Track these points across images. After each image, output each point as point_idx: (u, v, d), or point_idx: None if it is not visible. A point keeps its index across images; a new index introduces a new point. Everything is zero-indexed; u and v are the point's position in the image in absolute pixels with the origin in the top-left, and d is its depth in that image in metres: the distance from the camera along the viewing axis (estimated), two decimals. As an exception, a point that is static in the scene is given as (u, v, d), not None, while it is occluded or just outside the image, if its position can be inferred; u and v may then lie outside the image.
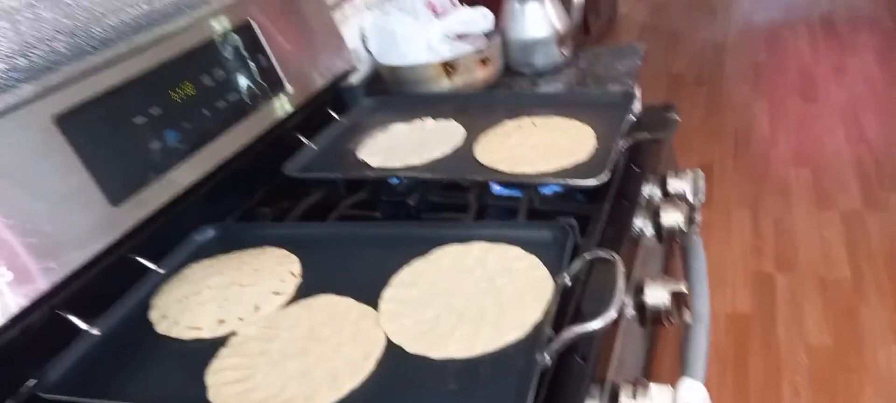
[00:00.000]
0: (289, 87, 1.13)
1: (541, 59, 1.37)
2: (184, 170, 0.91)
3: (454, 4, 1.43)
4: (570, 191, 0.90)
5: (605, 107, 1.05)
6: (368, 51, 1.36)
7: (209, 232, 0.92)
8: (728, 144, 2.62)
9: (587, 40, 3.67)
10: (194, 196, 0.93)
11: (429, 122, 1.13)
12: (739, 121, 2.77)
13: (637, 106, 1.27)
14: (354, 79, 1.32)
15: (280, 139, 1.10)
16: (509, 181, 0.91)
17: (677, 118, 1.01)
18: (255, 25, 1.09)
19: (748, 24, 3.73)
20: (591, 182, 0.85)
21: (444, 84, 1.27)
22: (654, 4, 4.42)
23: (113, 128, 0.84)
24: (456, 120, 1.12)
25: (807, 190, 2.24)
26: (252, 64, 1.08)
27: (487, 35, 1.36)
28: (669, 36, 3.84)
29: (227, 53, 1.04)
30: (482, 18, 1.33)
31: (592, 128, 1.00)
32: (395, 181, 0.98)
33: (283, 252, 0.85)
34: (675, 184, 1.01)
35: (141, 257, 0.85)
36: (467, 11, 1.35)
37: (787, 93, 2.91)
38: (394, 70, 1.30)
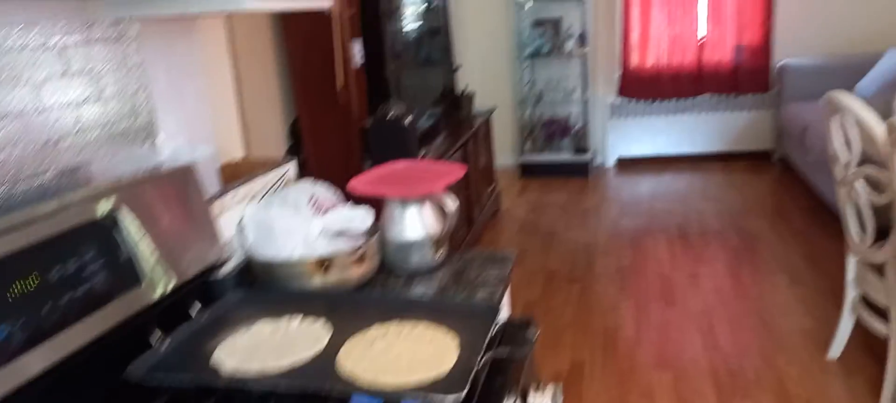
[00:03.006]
0: (149, 279, 1.08)
1: (416, 260, 1.41)
2: (15, 368, 0.83)
3: (337, 202, 1.46)
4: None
5: (471, 316, 1.08)
6: (244, 243, 1.35)
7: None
8: (598, 343, 2.74)
9: (470, 231, 3.85)
10: (25, 397, 0.84)
11: (294, 323, 1.11)
12: (608, 321, 2.92)
13: (504, 313, 1.32)
14: (225, 271, 1.29)
15: (133, 334, 1.03)
16: (368, 392, 0.89)
17: (532, 338, 1.05)
18: (119, 215, 1.06)
19: (615, 229, 4.08)
20: (449, 399, 0.85)
21: (317, 280, 1.27)
22: (533, 203, 4.77)
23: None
24: (325, 319, 1.10)
25: (668, 395, 2.34)
26: (111, 254, 1.03)
27: (366, 234, 1.39)
28: (546, 234, 4.11)
29: (85, 243, 0.99)
30: (362, 218, 1.37)
31: (457, 338, 1.01)
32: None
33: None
34: (537, 399, 1.03)
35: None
36: (348, 210, 1.38)
37: (650, 297, 3.14)
38: (267, 264, 1.29)
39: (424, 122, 3.80)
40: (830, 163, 2.36)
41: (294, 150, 3.08)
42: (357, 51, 3.06)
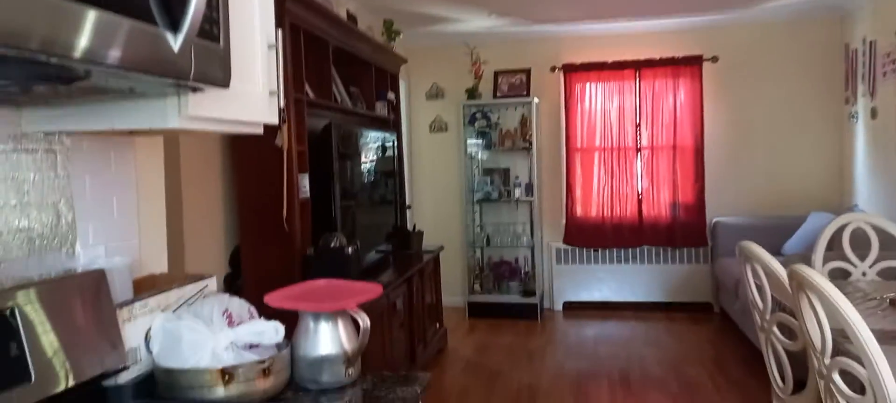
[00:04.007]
0: (42, 377, 1.06)
1: (328, 376, 1.40)
2: None
3: (251, 315, 1.47)
4: None
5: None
6: (149, 351, 1.34)
7: None
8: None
9: (413, 367, 3.79)
10: None
11: (186, 430, 1.09)
12: (544, 464, 2.85)
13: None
14: (125, 378, 1.27)
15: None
16: None
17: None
18: (15, 311, 1.06)
19: (560, 372, 4.07)
20: None
21: (219, 392, 1.25)
22: (480, 343, 4.75)
23: None
24: (216, 430, 1.08)
25: None
26: (2, 349, 1.02)
27: (278, 347, 1.40)
28: (491, 374, 4.07)
29: (-27, 333, 0.98)
30: (274, 331, 1.38)
31: (345, 449, 1.01)
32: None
33: None
34: None
35: None
36: (261, 323, 1.40)
37: (588, 440, 3.09)
38: (169, 372, 1.27)
39: (373, 256, 3.85)
40: (751, 310, 2.46)
41: (231, 278, 3.07)
42: (304, 184, 3.17)
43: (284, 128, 2.89)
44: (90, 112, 1.25)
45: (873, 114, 4.52)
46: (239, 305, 1.46)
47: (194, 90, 1.17)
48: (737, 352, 4.30)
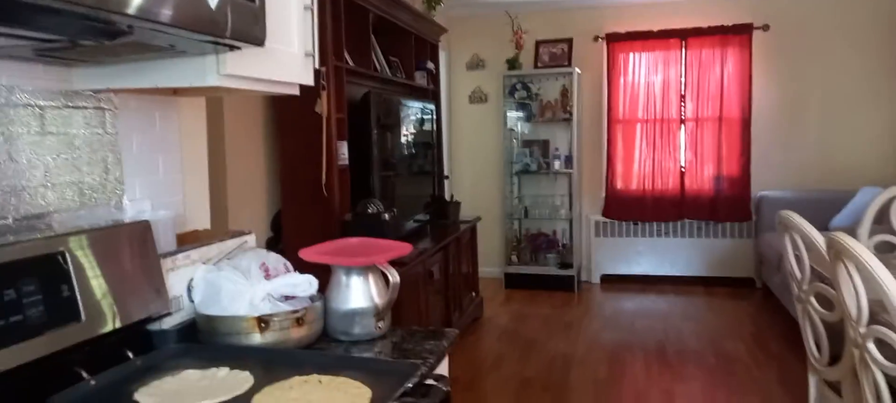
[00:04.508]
0: (91, 317, 1.14)
1: (358, 329, 1.45)
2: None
3: (287, 270, 1.53)
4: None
5: (389, 374, 1.12)
6: (191, 300, 1.41)
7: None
8: (563, 452, 2.68)
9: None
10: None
11: (222, 371, 1.15)
12: (576, 430, 2.88)
13: (441, 386, 1.34)
14: (169, 323, 1.34)
15: (61, 368, 1.08)
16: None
17: (445, 388, 1.09)
18: (67, 256, 1.13)
19: (595, 342, 4.07)
20: (345, 436, 0.88)
21: (256, 338, 1.32)
22: (516, 312, 4.78)
23: None
24: (250, 371, 1.14)
25: None
26: (55, 290, 1.10)
27: (312, 299, 1.45)
28: (526, 342, 4.10)
29: (29, 276, 1.06)
30: (308, 284, 1.44)
31: (370, 391, 1.05)
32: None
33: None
34: (444, 457, 1.05)
35: None
36: (295, 276, 1.45)
37: (621, 409, 3.10)
38: (209, 319, 1.34)
39: (410, 225, 3.91)
40: (790, 281, 2.42)
41: (273, 242, 3.17)
42: (343, 151, 3.23)
43: (324, 94, 2.95)
44: (135, 70, 1.31)
45: (933, 85, 4.32)
46: (275, 259, 1.53)
47: (231, 48, 1.21)
48: (777, 327, 4.23)
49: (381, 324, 1.47)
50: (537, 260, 5.54)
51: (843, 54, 5.06)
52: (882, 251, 2.79)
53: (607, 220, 5.53)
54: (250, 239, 1.66)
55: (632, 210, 5.46)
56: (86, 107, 1.40)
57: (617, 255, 5.55)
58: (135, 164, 1.53)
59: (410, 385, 1.08)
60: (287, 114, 3.15)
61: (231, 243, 1.60)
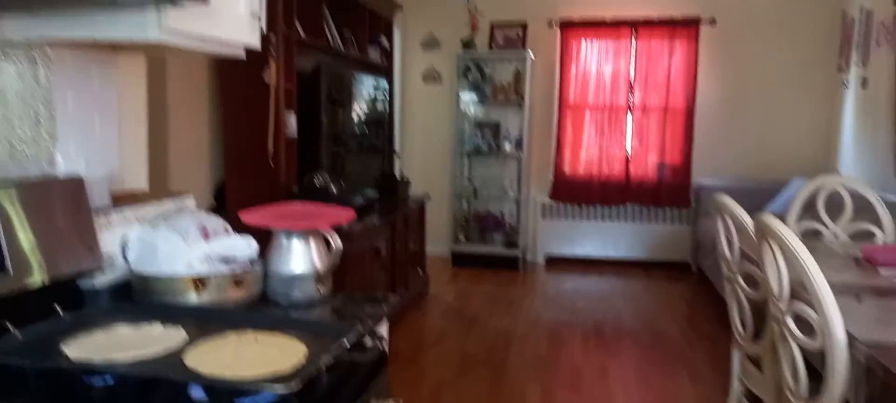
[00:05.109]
0: (14, 272, 1.11)
1: (298, 293, 1.46)
2: None
3: (227, 231, 1.52)
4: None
5: (326, 333, 1.13)
6: (126, 258, 1.38)
7: None
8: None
9: (392, 313, 3.87)
10: None
11: (155, 327, 1.14)
12: (515, 404, 2.95)
13: (384, 345, 1.35)
14: (101, 282, 1.32)
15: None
16: (203, 383, 0.93)
17: (381, 347, 1.11)
18: (-5, 203, 1.10)
19: (537, 320, 4.17)
20: (278, 387, 0.89)
21: (193, 298, 1.31)
22: (461, 290, 4.84)
23: None
24: (185, 329, 1.14)
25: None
26: (-20, 238, 1.06)
27: (252, 263, 1.45)
28: (469, 319, 4.16)
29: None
30: (247, 246, 1.43)
31: (306, 348, 1.06)
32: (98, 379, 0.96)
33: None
34: (379, 413, 1.08)
35: None
36: (234, 238, 1.44)
37: (558, 384, 3.19)
38: (144, 278, 1.32)
39: (359, 200, 3.90)
40: (721, 262, 2.53)
41: (215, 212, 3.11)
42: (291, 122, 3.19)
43: (273, 63, 2.90)
44: (71, 20, 1.27)
45: (864, 83, 4.55)
46: (215, 222, 1.51)
47: (173, 2, 1.19)
48: (709, 309, 4.41)
49: (321, 289, 1.48)
50: (484, 240, 5.61)
51: (782, 49, 5.27)
52: (809, 237, 2.94)
53: (553, 202, 5.64)
54: (190, 201, 1.64)
55: (578, 194, 5.58)
56: (18, 59, 1.34)
57: (562, 237, 5.67)
58: (69, 121, 1.48)
59: (347, 343, 1.09)
60: (234, 82, 3.09)
61: (170, 204, 1.58)
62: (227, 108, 3.13)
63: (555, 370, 3.39)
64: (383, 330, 1.46)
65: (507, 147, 5.57)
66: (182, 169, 2.86)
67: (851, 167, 4.77)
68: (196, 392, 0.94)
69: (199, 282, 1.30)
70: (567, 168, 5.62)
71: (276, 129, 3.03)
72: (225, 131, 3.15)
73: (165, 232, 1.39)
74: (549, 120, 5.65)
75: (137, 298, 1.34)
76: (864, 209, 2.93)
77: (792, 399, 1.78)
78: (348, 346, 1.09)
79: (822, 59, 5.21)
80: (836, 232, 2.96)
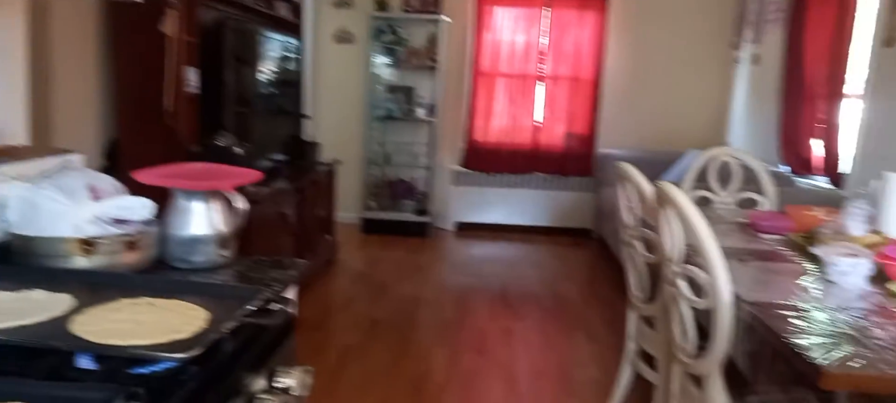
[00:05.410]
0: None
1: (199, 257, 1.39)
2: None
3: (119, 191, 1.42)
4: (179, 371, 0.88)
5: (230, 298, 1.08)
6: (4, 219, 1.27)
7: None
8: (407, 387, 2.78)
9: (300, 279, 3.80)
10: None
11: (38, 293, 1.05)
12: (421, 367, 3.00)
13: (292, 310, 1.32)
14: (-27, 242, 1.20)
15: None
16: (93, 352, 0.87)
17: (290, 311, 1.08)
18: None
19: (444, 286, 4.24)
20: (176, 355, 0.85)
21: (81, 262, 1.21)
22: (370, 257, 4.83)
23: None
24: (73, 295, 1.06)
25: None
26: None
27: (147, 224, 1.36)
28: (378, 285, 4.16)
29: None
30: (141, 207, 1.34)
31: (208, 314, 1.02)
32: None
33: None
34: (283, 379, 1.05)
35: None
36: (128, 198, 1.35)
37: (464, 347, 3.27)
38: (25, 240, 1.22)
39: (266, 164, 3.76)
40: (619, 227, 2.65)
41: (107, 173, 2.91)
42: (192, 78, 3.01)
43: (170, 12, 2.72)
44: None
45: (756, 60, 4.85)
46: (106, 181, 1.41)
47: (54, -64, 1.07)
48: (608, 273, 4.64)
49: (224, 252, 1.42)
50: (395, 207, 5.60)
51: (681, 25, 5.53)
52: (700, 204, 3.14)
53: (464, 170, 5.69)
54: (76, 159, 1.51)
55: (488, 161, 5.66)
56: None
57: (472, 204, 5.75)
58: (-68, 64, 1.33)
59: (252, 307, 1.05)
60: (128, 31, 2.87)
61: (53, 161, 1.45)
62: (120, 60, 2.92)
63: (461, 333, 3.46)
64: (292, 295, 1.42)
65: (420, 112, 5.55)
66: (68, 124, 2.64)
67: (741, 140, 5.11)
68: (84, 361, 0.88)
69: (88, 245, 1.21)
70: (479, 135, 5.68)
71: (176, 85, 2.85)
72: (118, 85, 2.93)
73: (49, 192, 1.28)
74: (462, 86, 5.67)
75: (18, 262, 1.23)
76: (750, 179, 3.15)
77: (681, 356, 1.90)
78: (254, 309, 1.05)
79: (718, 36, 5.51)
80: (725, 199, 3.17)
